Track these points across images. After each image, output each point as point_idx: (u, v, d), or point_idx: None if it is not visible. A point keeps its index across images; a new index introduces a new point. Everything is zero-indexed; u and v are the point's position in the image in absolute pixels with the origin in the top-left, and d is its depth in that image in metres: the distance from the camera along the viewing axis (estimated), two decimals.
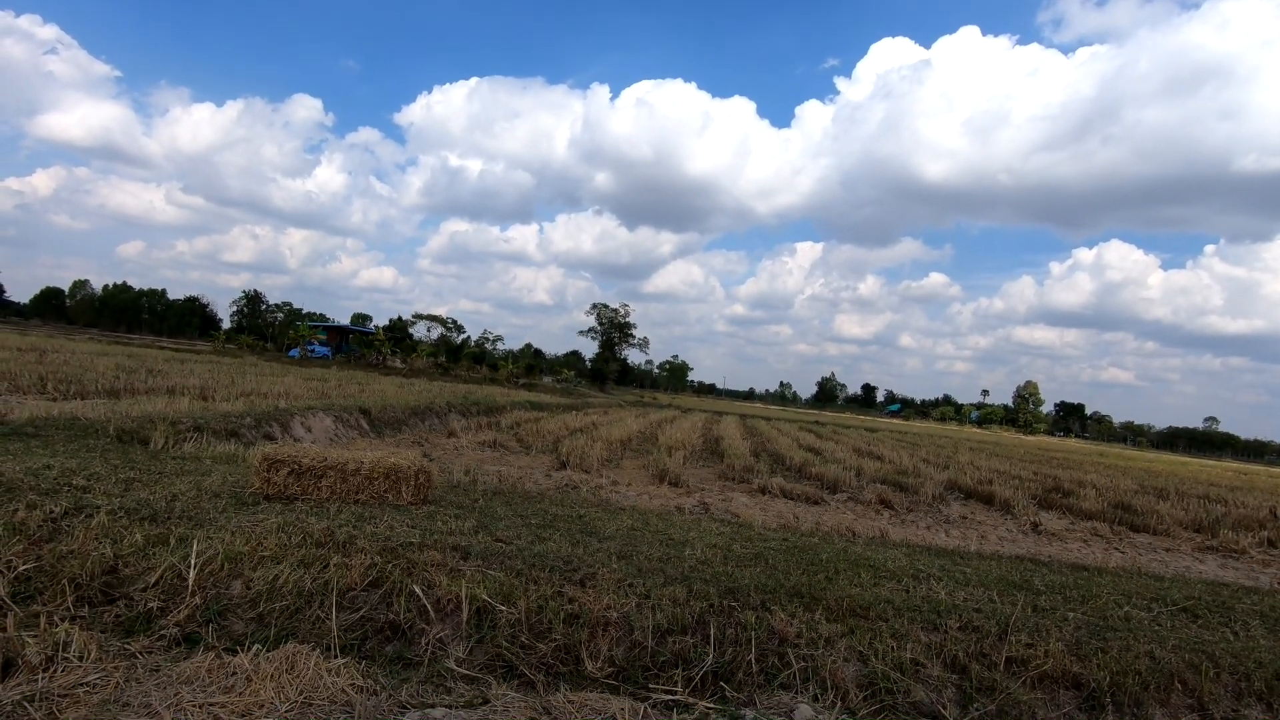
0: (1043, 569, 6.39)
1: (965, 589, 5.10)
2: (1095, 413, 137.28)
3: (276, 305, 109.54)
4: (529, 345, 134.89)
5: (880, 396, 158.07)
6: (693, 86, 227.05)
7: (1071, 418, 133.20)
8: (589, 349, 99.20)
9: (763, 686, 3.74)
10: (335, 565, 4.26)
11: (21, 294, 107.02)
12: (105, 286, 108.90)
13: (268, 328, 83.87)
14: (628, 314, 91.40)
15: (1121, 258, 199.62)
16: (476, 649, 3.86)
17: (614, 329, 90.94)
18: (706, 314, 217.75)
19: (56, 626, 3.34)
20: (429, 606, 4.01)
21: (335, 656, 3.30)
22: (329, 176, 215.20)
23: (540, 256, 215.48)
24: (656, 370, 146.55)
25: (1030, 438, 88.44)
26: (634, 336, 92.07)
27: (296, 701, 2.87)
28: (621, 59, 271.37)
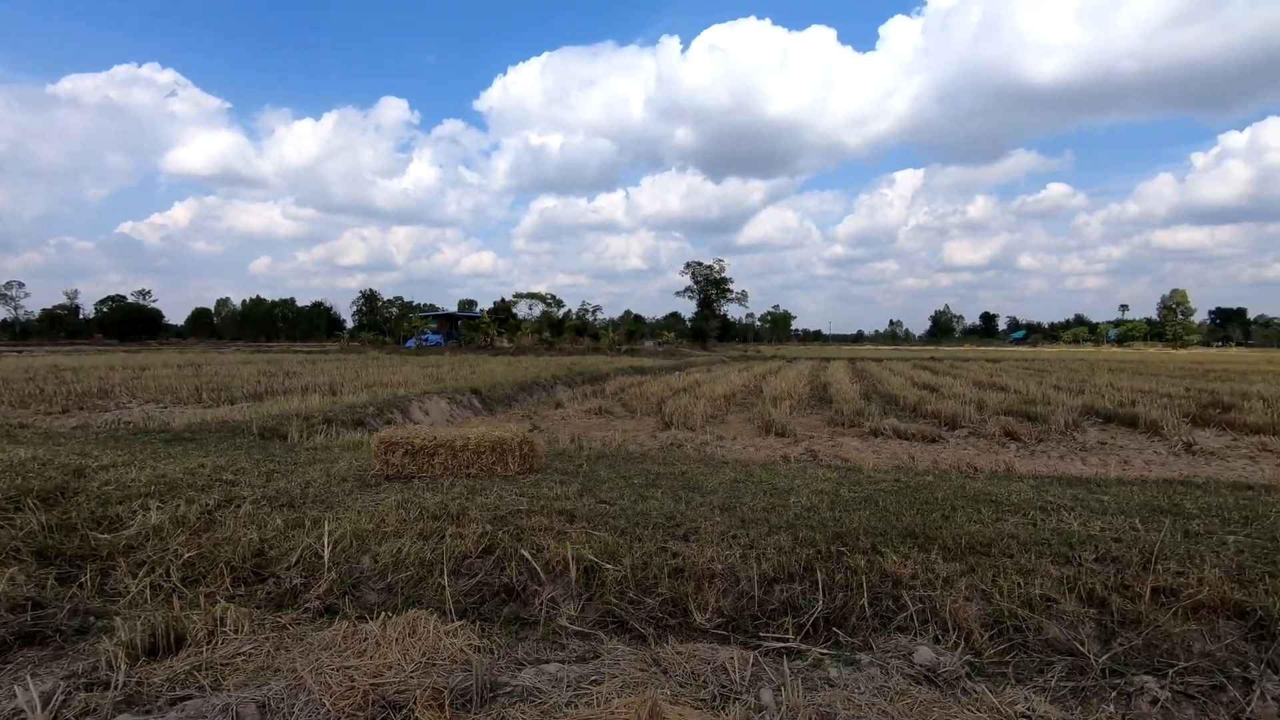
0: (1196, 491, 5.78)
1: (1102, 518, 4.70)
2: (1261, 316, 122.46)
3: (390, 301, 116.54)
4: (628, 312, 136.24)
5: (1002, 324, 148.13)
6: (766, 23, 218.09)
7: (1231, 325, 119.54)
8: (687, 309, 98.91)
9: (878, 630, 3.62)
10: (450, 536, 4.50)
11: (177, 316, 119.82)
12: (243, 301, 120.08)
13: (385, 323, 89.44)
14: (723, 269, 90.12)
15: None
16: (587, 606, 3.97)
17: (710, 286, 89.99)
18: (805, 259, 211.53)
19: (216, 605, 3.73)
20: (539, 569, 4.16)
21: (452, 620, 3.49)
22: (421, 172, 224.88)
23: (629, 222, 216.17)
24: (758, 323, 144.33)
25: (1181, 351, 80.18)
26: (731, 291, 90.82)
27: (420, 663, 3.06)
28: (689, 6, 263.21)
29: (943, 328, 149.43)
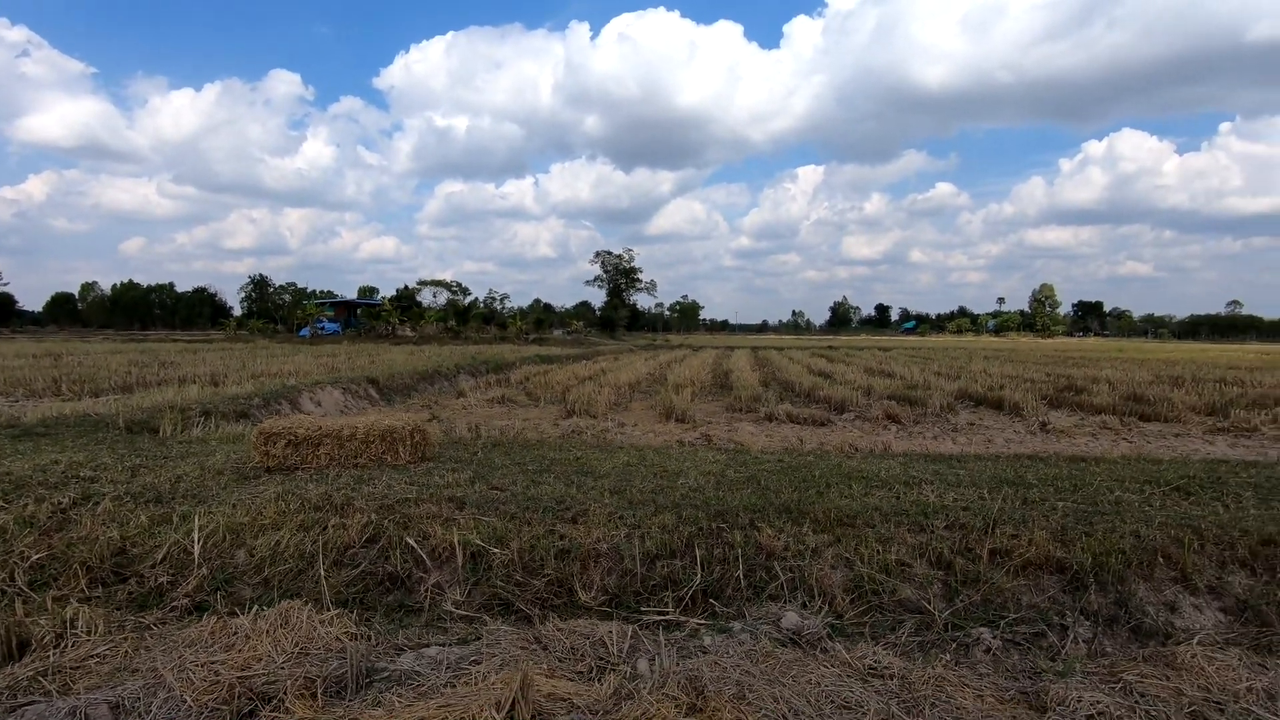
0: (1038, 464, 6.43)
1: (956, 490, 5.15)
2: (1114, 309, 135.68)
3: (282, 287, 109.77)
4: (537, 300, 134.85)
5: (895, 315, 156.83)
6: (675, 15, 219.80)
7: (1090, 317, 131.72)
8: (597, 298, 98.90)
9: (751, 599, 3.85)
10: (333, 526, 4.39)
11: (34, 302, 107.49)
12: (114, 286, 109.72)
13: (277, 310, 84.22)
14: (632, 259, 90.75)
15: (1134, 147, 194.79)
16: (474, 591, 3.99)
17: (620, 275, 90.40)
18: (712, 250, 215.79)
19: (67, 607, 3.50)
20: (425, 556, 4.14)
21: (328, 609, 3.43)
22: (317, 151, 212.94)
23: (538, 209, 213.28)
24: (667, 313, 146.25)
25: (1048, 341, 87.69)
26: (640, 281, 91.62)
27: (292, 653, 3.00)
28: None
29: (841, 318, 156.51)
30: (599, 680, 2.95)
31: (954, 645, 3.52)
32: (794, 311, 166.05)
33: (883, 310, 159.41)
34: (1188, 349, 50.78)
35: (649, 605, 3.82)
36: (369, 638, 3.26)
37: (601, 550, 4.16)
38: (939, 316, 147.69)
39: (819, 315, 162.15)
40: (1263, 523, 4.27)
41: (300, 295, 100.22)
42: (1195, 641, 3.32)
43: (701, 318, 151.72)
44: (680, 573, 3.96)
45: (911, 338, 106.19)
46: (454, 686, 2.83)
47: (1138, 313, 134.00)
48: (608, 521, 4.44)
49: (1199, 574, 3.87)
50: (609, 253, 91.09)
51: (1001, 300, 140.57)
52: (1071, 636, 3.63)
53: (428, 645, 3.28)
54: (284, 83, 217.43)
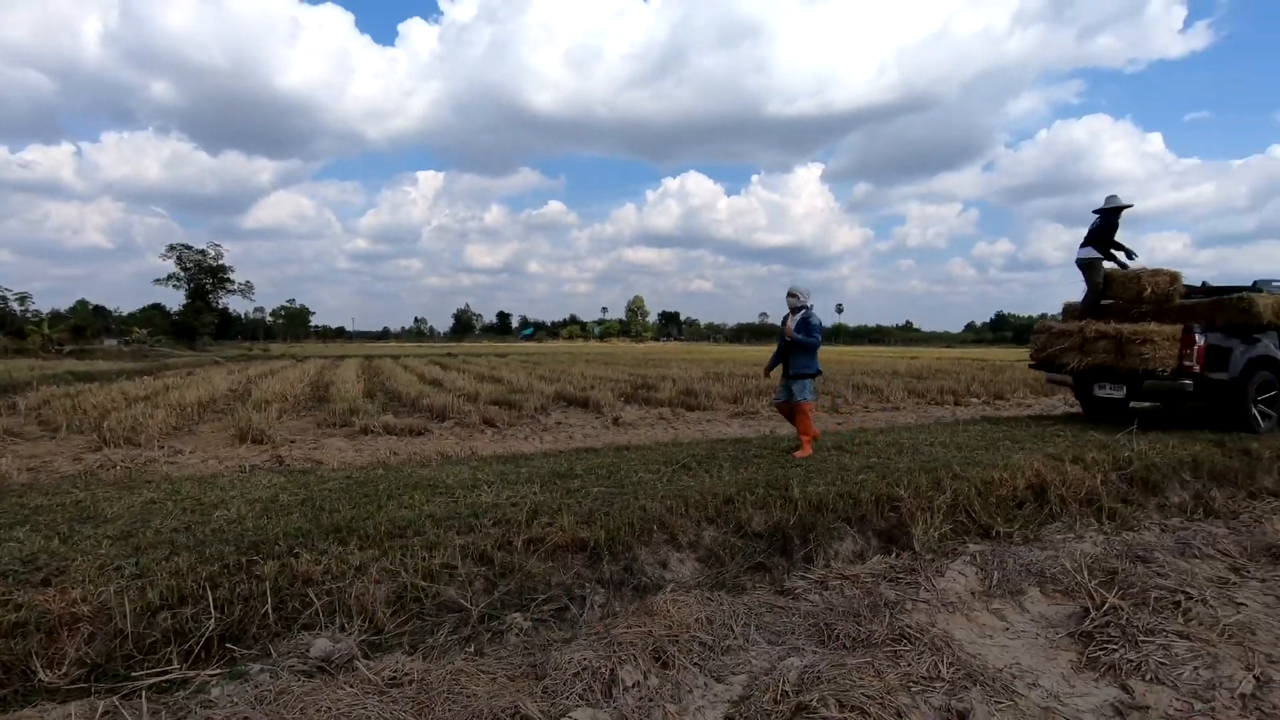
0: (591, 455, 7.35)
1: (513, 488, 5.56)
2: (688, 318, 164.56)
3: None
4: (82, 302, 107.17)
5: (515, 322, 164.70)
6: None
7: (671, 325, 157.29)
8: (175, 300, 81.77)
9: (282, 634, 3.56)
10: None
11: None
12: None
13: None
14: (220, 255, 77.25)
15: (698, 186, 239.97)
16: None
17: (204, 274, 76.20)
18: (325, 250, 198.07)
19: None
20: None
21: None
22: None
23: (84, 186, 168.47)
24: (270, 319, 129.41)
25: (640, 345, 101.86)
26: (233, 281, 78.53)
27: None
28: None
29: (464, 325, 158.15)
30: None
31: (489, 635, 3.77)
32: (417, 318, 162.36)
33: (504, 317, 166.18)
34: (732, 351, 64.14)
35: (144, 668, 3.25)
36: None
37: (82, 614, 3.39)
38: (554, 323, 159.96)
39: (443, 322, 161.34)
40: (728, 486, 5.54)
41: None
42: (669, 590, 4.13)
43: (313, 324, 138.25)
44: (190, 621, 3.45)
45: (530, 344, 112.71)
46: None
47: (704, 321, 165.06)
48: (97, 576, 3.66)
49: (683, 533, 4.84)
50: (188, 247, 75.81)
51: (605, 310, 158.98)
52: (589, 605, 4.20)
53: None
54: None
